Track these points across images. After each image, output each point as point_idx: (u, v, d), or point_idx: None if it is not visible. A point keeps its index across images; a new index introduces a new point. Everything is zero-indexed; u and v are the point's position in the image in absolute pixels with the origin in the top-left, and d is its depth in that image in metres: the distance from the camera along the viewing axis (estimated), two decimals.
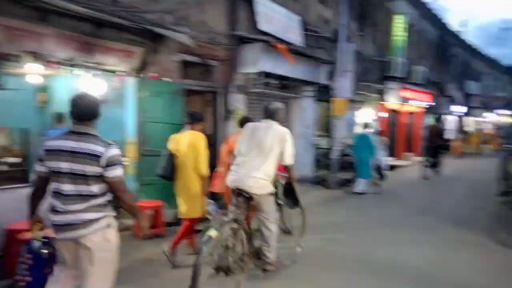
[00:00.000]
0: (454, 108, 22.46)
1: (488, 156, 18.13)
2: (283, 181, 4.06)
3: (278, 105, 3.84)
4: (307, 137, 9.72)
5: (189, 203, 4.12)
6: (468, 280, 3.99)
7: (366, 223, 6.21)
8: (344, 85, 9.60)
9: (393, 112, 15.38)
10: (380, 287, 3.79)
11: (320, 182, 9.47)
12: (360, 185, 8.59)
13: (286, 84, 8.57)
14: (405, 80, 14.92)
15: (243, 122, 4.66)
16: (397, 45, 14.37)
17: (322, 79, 9.44)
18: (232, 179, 3.52)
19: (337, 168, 9.44)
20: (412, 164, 14.91)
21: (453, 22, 25.09)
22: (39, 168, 2.35)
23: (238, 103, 7.28)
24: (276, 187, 3.80)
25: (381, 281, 3.91)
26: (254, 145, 3.52)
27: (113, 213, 2.42)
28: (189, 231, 4.26)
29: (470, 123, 26.07)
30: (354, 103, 11.65)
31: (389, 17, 14.39)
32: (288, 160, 3.60)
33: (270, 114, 3.71)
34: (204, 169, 4.10)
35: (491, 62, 31.34)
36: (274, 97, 8.46)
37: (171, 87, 5.81)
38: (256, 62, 7.09)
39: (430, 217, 6.61)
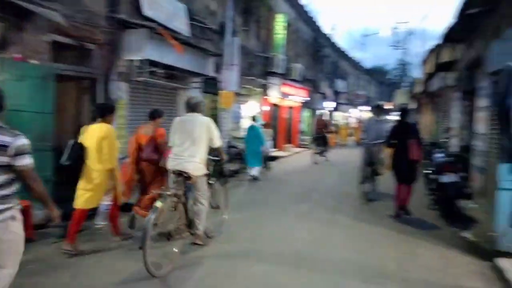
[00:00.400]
0: (326, 103, 25.03)
1: (353, 147, 20.74)
2: (213, 163, 4.82)
3: (198, 99, 4.54)
4: None
5: (91, 194, 4.17)
6: (341, 256, 4.54)
7: (253, 210, 6.50)
8: (230, 78, 9.83)
9: (275, 106, 16.38)
10: (266, 271, 4.03)
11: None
12: (254, 170, 9.22)
13: (173, 74, 8.34)
14: (285, 76, 16.01)
15: (152, 114, 4.97)
16: (278, 43, 15.29)
17: (209, 71, 9.47)
18: (173, 163, 4.20)
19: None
20: (292, 154, 16.17)
21: (325, 25, 27.93)
22: None
23: (120, 92, 6.81)
24: (208, 169, 4.55)
25: (266, 264, 4.17)
26: (186, 136, 4.21)
27: (19, 206, 2.38)
28: (80, 221, 4.21)
29: (339, 117, 29.43)
30: (240, 96, 12.02)
31: (271, 15, 15.21)
32: (217, 143, 4.39)
33: (193, 108, 4.38)
34: (113, 163, 4.23)
35: (355, 64, 35.91)
36: (160, 87, 8.17)
37: (39, 70, 5.08)
38: (141, 49, 6.71)
39: (309, 202, 7.30)
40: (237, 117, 12.23)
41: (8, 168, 2.23)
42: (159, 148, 4.80)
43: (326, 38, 25.23)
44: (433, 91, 14.34)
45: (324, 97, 24.41)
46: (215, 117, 11.07)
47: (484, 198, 6.89)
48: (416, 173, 6.21)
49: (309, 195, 7.93)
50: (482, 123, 7.41)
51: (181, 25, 8.27)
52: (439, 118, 14.30)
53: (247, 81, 12.67)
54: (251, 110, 13.20)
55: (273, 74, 14.80)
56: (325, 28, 24.95)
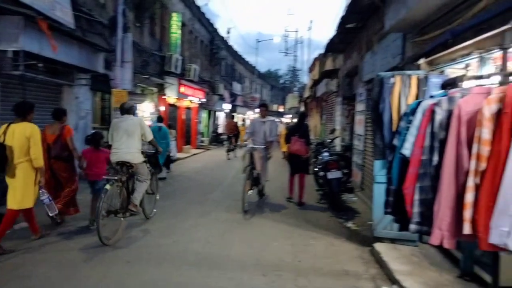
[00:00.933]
0: (224, 105, 25.42)
1: None
2: (149, 155, 5.66)
3: (131, 103, 5.61)
4: (83, 130, 8.85)
5: (22, 193, 4.24)
6: (241, 252, 4.66)
7: (156, 213, 6.25)
8: (123, 76, 9.28)
9: (172, 106, 16.00)
10: (167, 273, 3.92)
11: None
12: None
13: (56, 69, 7.51)
14: (182, 77, 15.77)
15: (57, 114, 5.22)
16: (173, 42, 14.97)
17: (99, 68, 8.79)
18: (115, 156, 4.97)
19: None
20: (191, 156, 15.98)
21: (221, 28, 28.44)
22: None
23: None
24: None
25: (167, 266, 4.05)
26: (122, 133, 4.99)
27: None
28: (13, 221, 4.37)
29: (237, 119, 30.18)
30: (135, 95, 11.43)
31: (166, 14, 14.82)
32: (149, 137, 5.26)
33: (127, 110, 5.22)
34: (41, 161, 4.33)
35: (250, 68, 37.26)
36: (40, 82, 7.29)
37: None
38: (15, 39, 5.88)
39: (210, 202, 7.32)
40: None
41: None
42: (68, 145, 5.11)
43: (223, 41, 25.62)
44: (319, 96, 15.73)
45: (222, 99, 24.76)
46: (107, 117, 10.33)
47: (363, 192, 7.82)
48: (306, 165, 7.38)
49: (209, 195, 7.95)
50: (360, 125, 8.39)
51: (65, 15, 7.49)
52: (325, 121, 15.73)
53: (141, 80, 12.12)
54: (147, 109, 12.67)
55: (170, 73, 14.44)
56: (221, 31, 25.37)
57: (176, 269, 4.00)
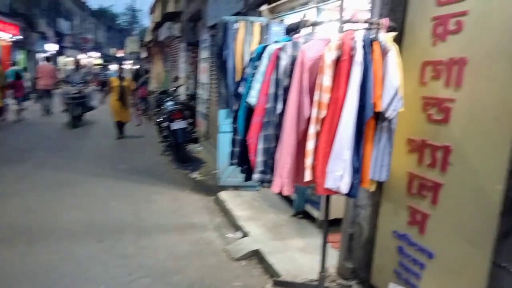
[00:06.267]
0: (47, 46, 21.43)
1: None
2: None
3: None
4: None
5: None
6: (71, 219, 4.03)
7: None
8: None
9: None
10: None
11: None
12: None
13: None
14: None
15: None
16: None
17: None
18: None
19: None
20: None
21: None
22: None
23: None
24: None
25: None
26: None
27: None
28: None
29: (66, 62, 26.01)
30: None
31: None
32: None
33: None
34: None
35: (80, 4, 32.09)
36: None
37: None
38: None
39: (32, 161, 6.09)
40: None
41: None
42: None
43: None
44: (161, 41, 14.71)
45: (44, 38, 20.77)
46: None
47: (208, 141, 7.81)
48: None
49: (33, 152, 6.62)
50: (204, 73, 8.17)
51: None
52: (168, 68, 14.96)
53: None
54: None
55: None
56: None
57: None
